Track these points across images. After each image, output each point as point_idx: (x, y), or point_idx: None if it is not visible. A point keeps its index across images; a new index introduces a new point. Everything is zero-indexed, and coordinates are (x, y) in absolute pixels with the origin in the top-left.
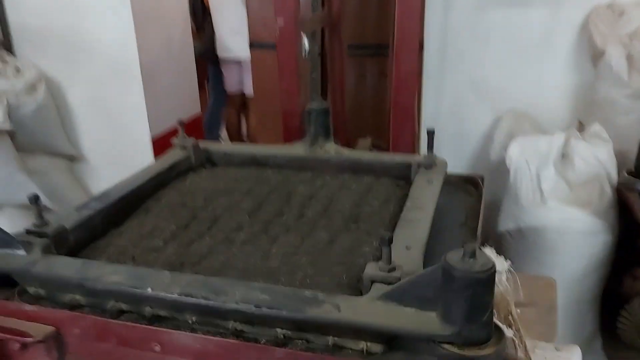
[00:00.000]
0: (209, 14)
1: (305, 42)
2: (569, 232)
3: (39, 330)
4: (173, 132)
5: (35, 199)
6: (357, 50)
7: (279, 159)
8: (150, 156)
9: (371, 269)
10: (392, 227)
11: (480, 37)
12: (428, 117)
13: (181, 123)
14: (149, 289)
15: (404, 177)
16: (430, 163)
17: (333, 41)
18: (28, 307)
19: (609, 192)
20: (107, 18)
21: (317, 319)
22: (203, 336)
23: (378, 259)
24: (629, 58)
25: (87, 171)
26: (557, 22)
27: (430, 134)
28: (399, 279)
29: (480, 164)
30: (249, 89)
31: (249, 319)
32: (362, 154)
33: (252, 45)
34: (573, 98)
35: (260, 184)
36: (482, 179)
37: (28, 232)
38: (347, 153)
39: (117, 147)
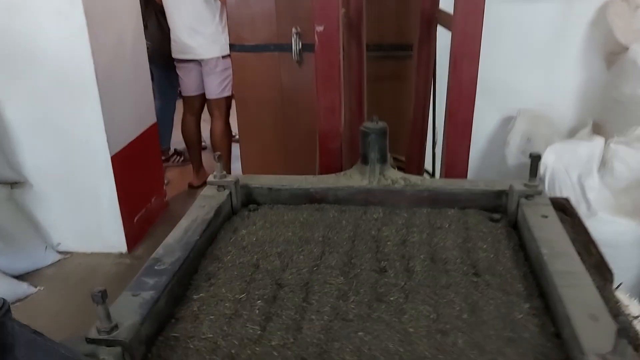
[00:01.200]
0: (154, 11)
1: None
2: (621, 244)
3: None
4: (133, 146)
5: (101, 296)
6: (370, 52)
7: (340, 192)
8: (110, 176)
9: None
10: (527, 279)
11: (488, 34)
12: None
13: (219, 157)
14: None
15: (495, 209)
16: (533, 192)
17: (351, 43)
18: None
19: None
20: (53, 21)
21: None
22: None
23: (540, 326)
24: None
25: (32, 198)
26: (568, 17)
27: (536, 158)
28: None
29: (492, 169)
30: (211, 91)
31: None
32: (436, 182)
33: (233, 47)
34: (584, 97)
35: (333, 229)
36: (569, 202)
37: (91, 340)
38: (418, 182)
39: (68, 168)
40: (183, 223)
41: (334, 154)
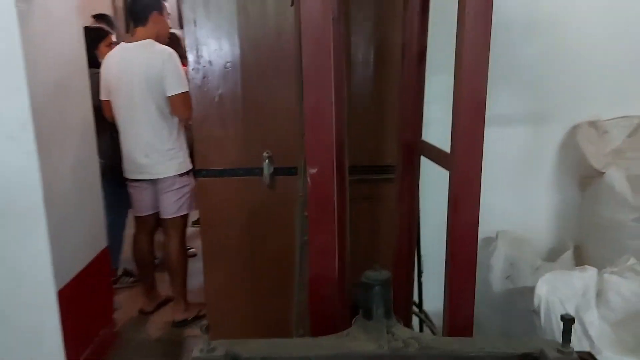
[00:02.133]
0: (107, 127)
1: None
2: None
3: None
4: (82, 276)
5: None
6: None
7: None
8: (55, 313)
9: None
10: None
11: None
12: None
13: (206, 329)
14: None
15: None
16: (568, 358)
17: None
18: None
19: None
20: (3, 147)
21: None
22: None
23: None
24: (630, 179)
25: None
26: (539, 141)
27: (569, 321)
28: None
29: (478, 294)
30: (167, 210)
31: None
32: (452, 343)
33: (199, 172)
34: (561, 219)
35: None
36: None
37: None
38: (430, 341)
39: (9, 305)
40: None
41: (328, 303)
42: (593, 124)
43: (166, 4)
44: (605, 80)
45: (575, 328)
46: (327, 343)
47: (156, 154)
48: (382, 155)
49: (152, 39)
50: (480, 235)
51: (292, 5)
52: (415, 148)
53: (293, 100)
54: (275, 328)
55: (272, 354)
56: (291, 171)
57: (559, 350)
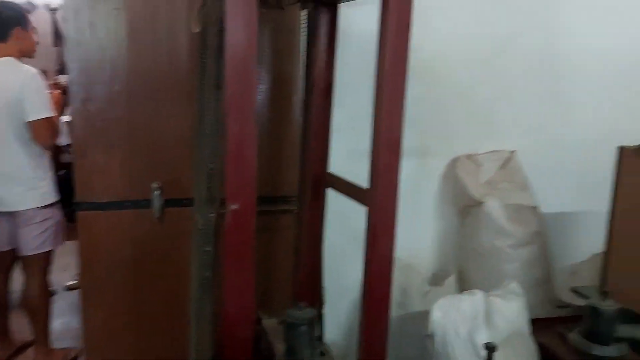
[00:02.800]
0: None
1: None
2: None
3: None
4: None
5: None
6: None
7: None
8: None
9: None
10: None
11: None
12: None
13: None
14: None
15: None
16: None
17: None
18: None
19: (532, 347)
20: None
21: None
22: None
23: None
24: (505, 208)
25: None
26: (423, 172)
27: (491, 349)
28: None
29: None
30: (28, 246)
31: None
32: None
33: (80, 205)
34: (443, 246)
35: None
36: None
37: None
38: None
39: None
40: None
41: (243, 345)
42: (470, 157)
43: (32, 17)
44: (478, 118)
45: (468, 349)
46: None
47: (14, 184)
48: (279, 186)
49: (14, 57)
50: None
51: (196, 31)
52: (322, 180)
53: (186, 128)
54: None
55: None
56: (183, 202)
57: None
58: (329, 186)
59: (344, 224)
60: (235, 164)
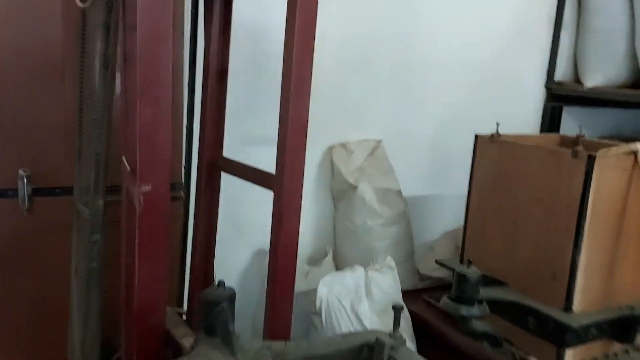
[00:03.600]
0: None
1: None
2: None
3: None
4: None
5: None
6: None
7: None
8: None
9: None
10: None
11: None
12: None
13: None
14: None
15: None
16: (399, 343)
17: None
18: None
19: (407, 316)
20: None
21: None
22: None
23: None
24: (375, 191)
25: None
26: None
27: (398, 310)
28: None
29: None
30: None
31: None
32: (301, 346)
33: None
34: (319, 228)
35: None
36: None
37: None
38: (281, 347)
39: None
40: None
41: (156, 331)
42: (343, 145)
43: None
44: (349, 110)
45: (352, 320)
46: None
47: None
48: None
49: None
50: (253, 249)
51: (82, 5)
52: (217, 165)
53: (59, 114)
54: None
55: None
56: (55, 192)
57: (390, 335)
58: (224, 170)
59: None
60: (147, 144)
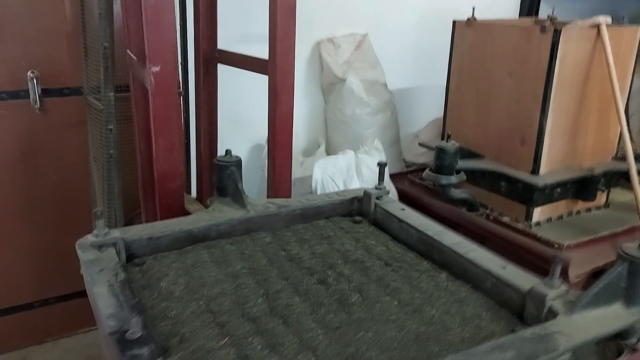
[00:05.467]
0: None
1: None
2: None
3: None
4: None
5: None
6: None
7: (222, 227)
8: None
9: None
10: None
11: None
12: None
13: (100, 213)
14: None
15: (357, 212)
16: (383, 193)
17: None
18: None
19: (393, 191)
20: None
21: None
22: None
23: (464, 285)
24: (363, 83)
25: None
26: None
27: (382, 165)
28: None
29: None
30: None
31: None
32: (301, 200)
33: None
34: (311, 120)
35: (246, 260)
36: None
37: None
38: (284, 203)
39: None
40: (102, 292)
41: (176, 194)
42: (330, 40)
43: None
44: (335, 4)
45: None
46: (200, 217)
47: None
48: None
49: None
50: (251, 144)
51: None
52: (213, 57)
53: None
54: (55, 258)
55: (157, 233)
56: (64, 92)
57: (376, 188)
58: (220, 62)
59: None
60: (153, 27)
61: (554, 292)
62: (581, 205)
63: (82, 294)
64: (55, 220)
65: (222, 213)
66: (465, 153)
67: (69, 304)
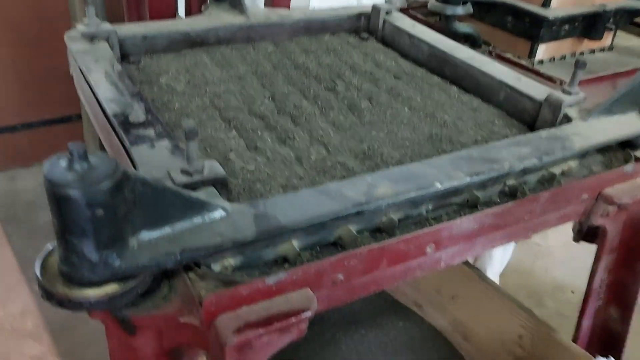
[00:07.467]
0: None
1: None
2: None
3: None
4: None
5: None
6: None
7: (222, 32)
8: None
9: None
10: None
11: None
12: None
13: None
14: None
15: (357, 30)
16: (392, 8)
17: None
18: None
19: None
20: None
21: None
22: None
23: (476, 98)
24: None
25: None
26: None
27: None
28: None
29: None
30: None
31: None
32: (305, 13)
33: None
34: None
35: (250, 65)
36: None
37: None
38: (284, 13)
39: None
40: (99, 79)
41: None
42: None
43: None
44: None
45: None
46: (197, 21)
47: None
48: None
49: None
50: None
51: None
52: None
53: None
54: (36, 79)
55: (152, 32)
56: None
57: (386, 1)
58: None
59: None
60: None
61: (571, 98)
62: (585, 45)
63: (66, 119)
64: (33, 37)
65: (219, 19)
66: None
67: (53, 129)
